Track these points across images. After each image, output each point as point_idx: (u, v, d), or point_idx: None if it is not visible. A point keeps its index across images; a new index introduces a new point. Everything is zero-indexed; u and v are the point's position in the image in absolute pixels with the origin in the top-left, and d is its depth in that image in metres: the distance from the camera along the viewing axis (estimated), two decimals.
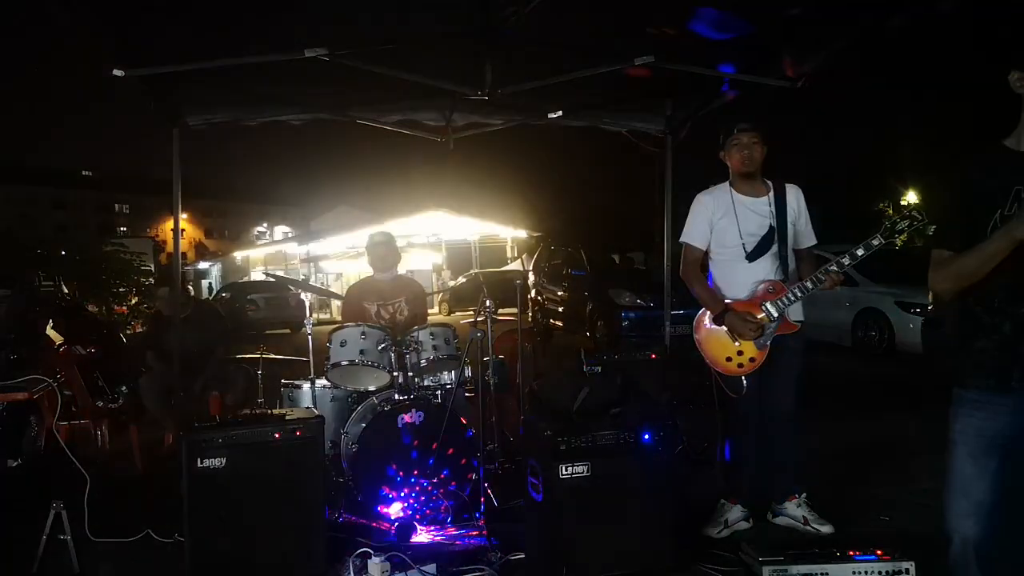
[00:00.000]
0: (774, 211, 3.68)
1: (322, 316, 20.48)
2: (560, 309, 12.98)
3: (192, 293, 6.23)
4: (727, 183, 3.76)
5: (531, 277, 13.72)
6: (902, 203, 30.25)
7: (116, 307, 14.80)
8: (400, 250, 5.18)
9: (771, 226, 3.66)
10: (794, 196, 3.76)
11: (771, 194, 3.71)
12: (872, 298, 10.08)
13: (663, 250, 5.69)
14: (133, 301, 15.98)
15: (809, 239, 3.80)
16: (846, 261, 3.41)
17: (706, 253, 3.78)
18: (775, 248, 3.66)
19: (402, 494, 3.88)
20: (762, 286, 3.62)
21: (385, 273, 4.98)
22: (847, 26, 3.77)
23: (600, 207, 33.44)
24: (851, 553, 2.94)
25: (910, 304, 9.42)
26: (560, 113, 5.10)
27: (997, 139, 2.14)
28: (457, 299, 20.16)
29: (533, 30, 3.67)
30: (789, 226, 3.69)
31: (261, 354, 5.14)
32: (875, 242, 3.37)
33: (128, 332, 12.40)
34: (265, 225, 73.17)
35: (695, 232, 3.77)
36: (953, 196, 2.19)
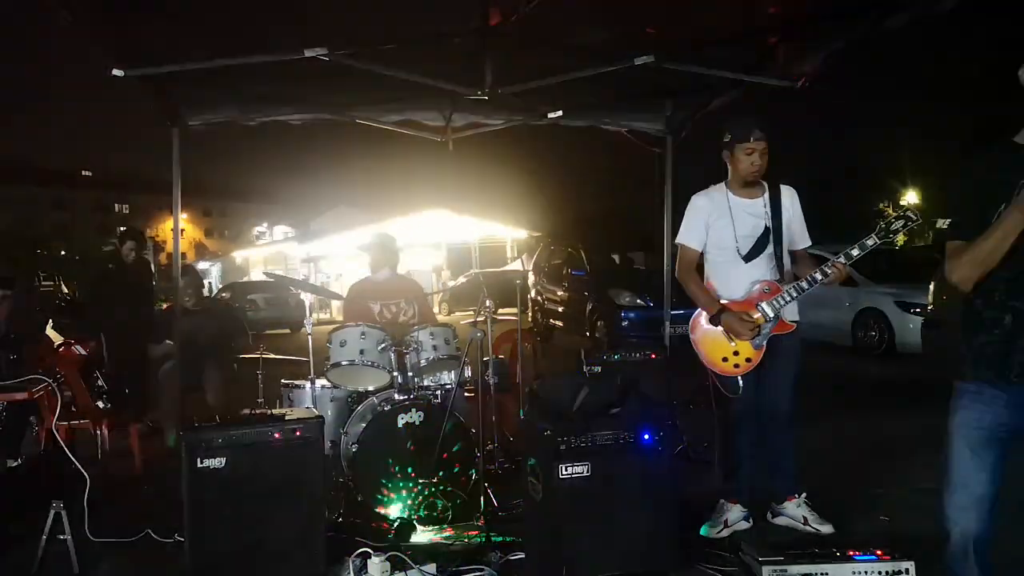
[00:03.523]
0: (769, 212, 3.68)
1: (322, 316, 20.47)
2: (560, 309, 12.98)
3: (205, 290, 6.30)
4: (723, 184, 3.76)
5: (531, 277, 13.71)
6: (901, 203, 30.26)
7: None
8: (399, 250, 5.18)
9: (766, 227, 3.67)
10: (789, 197, 3.76)
11: (766, 195, 3.72)
12: (872, 298, 10.08)
13: (663, 250, 5.69)
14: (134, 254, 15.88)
15: (804, 240, 3.81)
16: (842, 261, 3.41)
17: (702, 254, 3.79)
18: (770, 249, 3.67)
19: (402, 494, 3.88)
20: (757, 286, 3.62)
21: (377, 274, 5.00)
22: (846, 26, 3.77)
23: (600, 207, 33.45)
24: (851, 553, 2.94)
25: (910, 304, 9.42)
26: (560, 113, 5.09)
27: (1008, 135, 2.20)
28: (457, 299, 20.15)
29: (533, 30, 3.67)
30: (784, 227, 3.69)
31: (261, 354, 5.14)
32: (870, 242, 3.38)
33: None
34: (265, 225, 73.04)
35: (691, 234, 3.77)
36: (964, 189, 2.26)
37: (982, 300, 2.18)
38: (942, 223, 2.32)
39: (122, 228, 7.39)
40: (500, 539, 3.51)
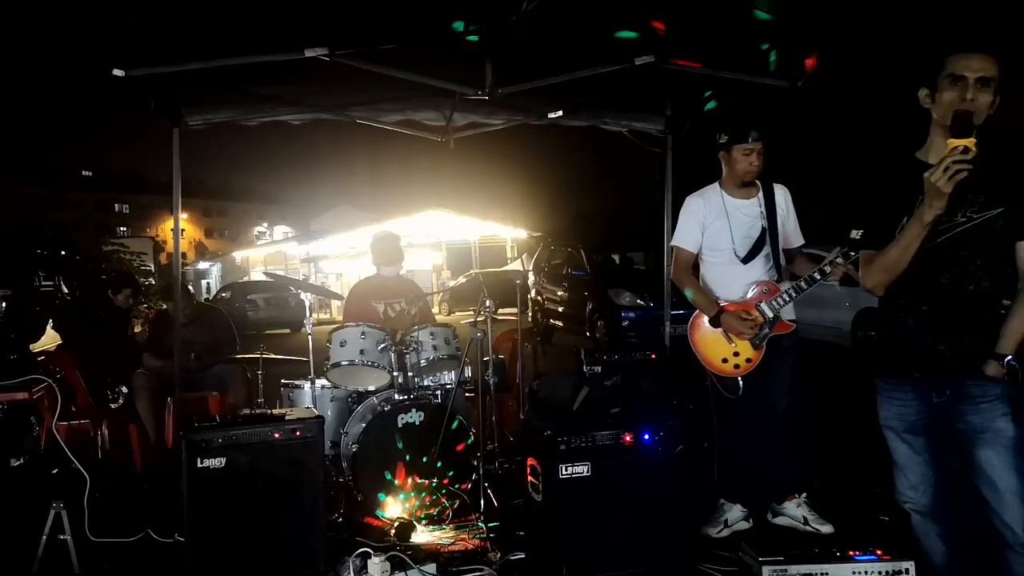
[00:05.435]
0: (764, 212, 3.68)
1: (322, 316, 20.48)
2: (560, 309, 12.97)
3: (191, 294, 6.23)
4: (716, 185, 3.76)
5: (531, 277, 13.71)
6: None
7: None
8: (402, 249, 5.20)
9: (763, 227, 3.67)
10: (782, 196, 3.76)
11: (760, 195, 3.71)
12: (872, 298, 10.06)
13: (663, 250, 5.68)
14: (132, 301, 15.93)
15: (797, 239, 3.81)
16: (840, 260, 3.41)
17: (697, 255, 3.78)
18: (767, 249, 3.66)
19: (402, 494, 3.88)
20: (756, 287, 3.62)
21: (390, 269, 5.00)
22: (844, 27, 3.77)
23: (600, 207, 33.42)
24: (851, 553, 2.94)
25: None
26: (560, 113, 5.09)
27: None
28: (457, 299, 20.15)
29: (533, 30, 3.67)
30: (779, 226, 3.69)
31: (261, 354, 5.14)
32: None
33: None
34: (265, 225, 73.17)
35: (686, 235, 3.77)
36: (873, 202, 2.39)
37: (888, 302, 2.35)
38: (855, 233, 2.45)
39: (115, 273, 6.58)
40: (500, 539, 3.51)
